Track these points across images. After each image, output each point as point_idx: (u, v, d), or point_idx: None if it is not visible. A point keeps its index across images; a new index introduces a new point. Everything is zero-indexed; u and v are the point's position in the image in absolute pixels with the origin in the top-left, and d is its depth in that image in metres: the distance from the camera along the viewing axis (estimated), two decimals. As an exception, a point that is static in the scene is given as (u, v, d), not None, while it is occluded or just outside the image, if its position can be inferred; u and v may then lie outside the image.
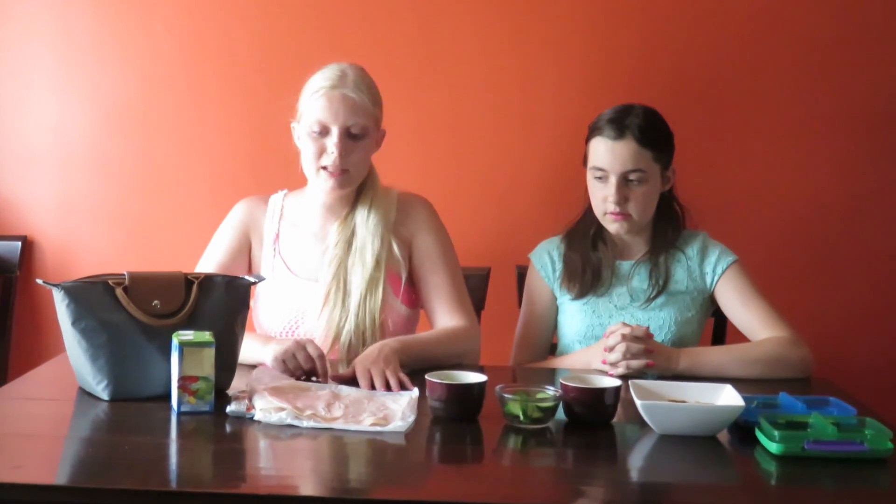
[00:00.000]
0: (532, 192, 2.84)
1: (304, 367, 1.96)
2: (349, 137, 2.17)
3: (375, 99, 2.22)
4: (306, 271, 2.26)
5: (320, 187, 2.21)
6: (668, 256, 2.33)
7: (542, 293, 2.39)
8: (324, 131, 2.17)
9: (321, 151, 2.17)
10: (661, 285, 2.30)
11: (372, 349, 2.01)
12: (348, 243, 2.23)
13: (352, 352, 2.17)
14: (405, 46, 2.82)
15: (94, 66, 2.87)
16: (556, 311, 2.39)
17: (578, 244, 2.36)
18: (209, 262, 2.27)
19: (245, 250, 2.30)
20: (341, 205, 2.26)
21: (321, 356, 1.97)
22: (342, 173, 2.17)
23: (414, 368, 1.98)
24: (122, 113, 2.88)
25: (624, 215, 2.26)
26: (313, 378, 1.95)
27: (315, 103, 2.17)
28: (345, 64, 2.22)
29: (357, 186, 2.25)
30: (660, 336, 2.25)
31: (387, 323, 2.22)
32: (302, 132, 2.21)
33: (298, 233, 2.29)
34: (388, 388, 1.90)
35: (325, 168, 2.17)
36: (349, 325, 2.18)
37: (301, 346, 1.97)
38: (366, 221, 2.23)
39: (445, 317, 2.23)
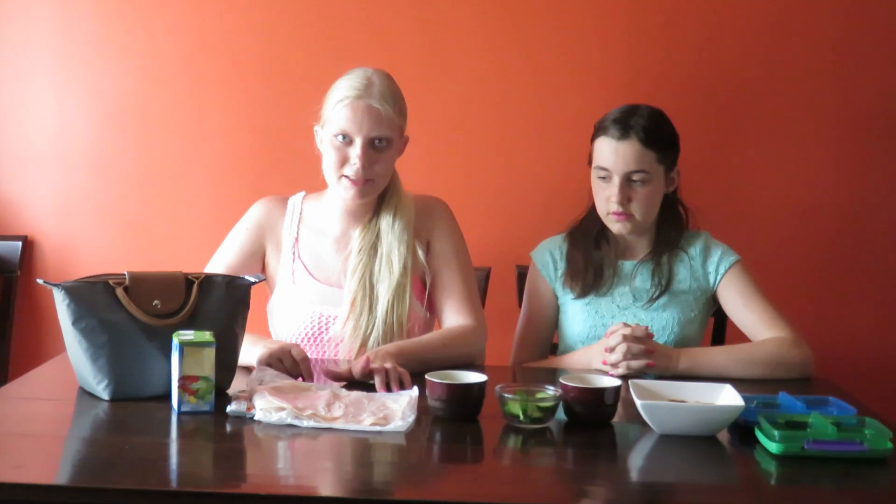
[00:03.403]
0: (532, 191, 2.84)
1: (290, 372, 1.96)
2: (372, 148, 2.16)
3: (401, 109, 2.21)
4: (327, 275, 2.25)
5: (341, 195, 2.21)
6: (670, 256, 2.32)
7: (543, 292, 2.39)
8: (347, 141, 2.16)
9: (343, 160, 2.16)
10: (663, 286, 2.29)
11: (367, 354, 2.02)
12: (373, 249, 2.22)
13: None
14: (406, 45, 2.81)
15: (95, 66, 2.87)
16: (556, 310, 2.39)
17: (581, 242, 2.35)
18: (219, 264, 2.26)
19: (258, 254, 2.29)
20: (363, 210, 2.26)
21: (305, 359, 1.99)
22: (365, 182, 2.17)
23: (413, 372, 1.98)
24: (122, 113, 2.88)
25: (626, 215, 2.26)
26: (298, 380, 1.95)
27: (340, 112, 2.15)
28: (371, 70, 2.20)
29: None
30: (662, 337, 2.25)
31: (413, 329, 2.23)
32: (325, 138, 2.20)
33: (318, 237, 2.28)
34: (387, 388, 1.90)
35: (346, 176, 2.17)
36: (376, 332, 2.17)
37: (286, 350, 1.99)
38: (391, 228, 2.23)
39: (453, 315, 2.23)
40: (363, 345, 2.18)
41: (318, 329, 2.22)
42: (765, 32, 2.78)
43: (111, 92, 2.88)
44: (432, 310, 2.30)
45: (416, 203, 2.30)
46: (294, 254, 2.28)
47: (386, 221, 2.24)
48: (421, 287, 2.26)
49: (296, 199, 2.34)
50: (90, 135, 2.89)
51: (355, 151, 2.15)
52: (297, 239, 2.29)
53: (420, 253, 2.24)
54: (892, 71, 2.78)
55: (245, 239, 2.29)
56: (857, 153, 2.81)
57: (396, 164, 2.29)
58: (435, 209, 2.31)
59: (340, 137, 2.15)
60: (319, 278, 2.25)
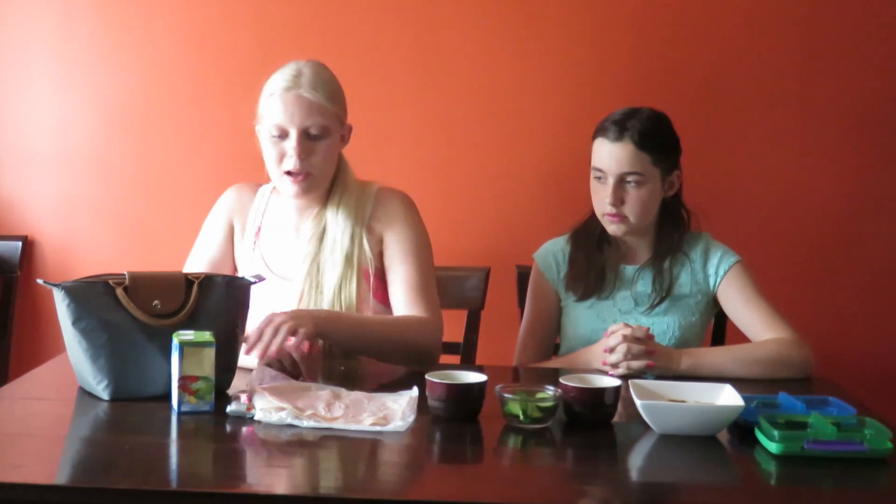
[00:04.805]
0: (532, 192, 2.84)
1: (290, 372, 1.96)
2: (308, 139, 2.14)
3: (334, 96, 2.18)
4: (283, 269, 2.24)
5: (286, 193, 2.20)
6: (672, 261, 2.32)
7: (546, 294, 2.39)
8: (283, 134, 2.14)
9: (282, 155, 2.14)
10: (664, 291, 2.29)
11: (295, 310, 2.01)
12: (320, 239, 2.21)
13: (333, 353, 2.17)
14: (404, 46, 2.81)
15: (95, 66, 2.87)
16: (559, 311, 2.38)
17: (584, 245, 2.35)
18: (200, 258, 2.27)
19: (231, 240, 2.30)
20: (313, 201, 2.24)
21: (305, 359, 1.98)
22: (305, 177, 2.14)
23: (348, 348, 2.03)
24: (122, 113, 2.88)
25: (620, 217, 2.26)
26: (300, 379, 1.96)
27: (272, 106, 2.14)
28: (302, 62, 2.19)
29: (328, 184, 2.23)
30: (663, 340, 2.24)
31: None
32: (263, 136, 2.19)
33: (276, 231, 2.28)
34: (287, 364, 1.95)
35: (288, 173, 2.15)
36: None
37: (287, 351, 1.98)
38: (336, 217, 2.21)
39: (402, 306, 2.18)
40: (314, 344, 2.15)
41: None
42: (761, 34, 2.79)
43: (111, 92, 2.88)
44: (385, 303, 2.25)
45: (376, 194, 2.26)
46: (255, 244, 2.27)
47: (332, 211, 2.22)
48: (370, 278, 2.22)
49: (266, 188, 2.33)
50: (90, 135, 2.89)
51: (291, 144, 2.13)
52: (259, 230, 2.28)
53: (367, 245, 2.20)
54: (892, 71, 2.78)
55: (219, 228, 2.30)
56: (858, 153, 2.81)
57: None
58: (391, 202, 2.26)
59: (276, 132, 2.14)
60: (276, 271, 2.24)
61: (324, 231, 2.21)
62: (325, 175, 2.19)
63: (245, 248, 2.28)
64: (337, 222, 2.20)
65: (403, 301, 2.18)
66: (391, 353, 2.11)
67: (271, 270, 2.24)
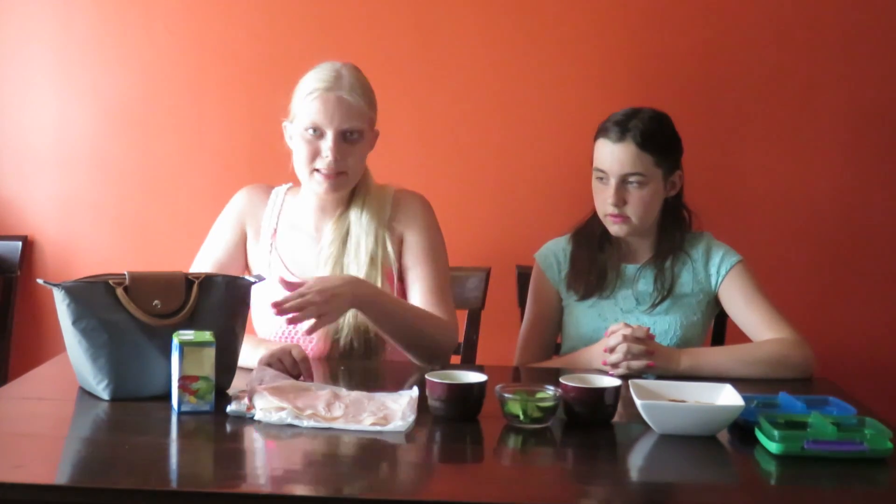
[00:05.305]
0: (533, 192, 2.84)
1: (290, 372, 1.96)
2: (344, 140, 2.15)
3: (370, 101, 2.20)
4: (302, 271, 2.24)
5: (314, 189, 2.20)
6: (674, 260, 2.32)
7: (547, 294, 2.39)
8: (318, 134, 2.15)
9: (315, 154, 2.16)
10: (665, 291, 2.29)
11: (337, 279, 2.04)
12: (343, 242, 2.22)
13: (354, 353, 2.18)
14: (406, 44, 2.82)
15: (95, 66, 2.87)
16: (561, 311, 2.38)
17: (586, 244, 2.35)
18: (207, 259, 2.27)
19: (242, 243, 2.29)
20: (335, 204, 2.25)
21: (305, 359, 1.99)
22: (338, 176, 2.16)
23: (377, 324, 2.05)
24: (122, 113, 2.88)
25: (622, 217, 2.26)
26: (300, 379, 1.96)
27: (310, 105, 2.15)
28: (339, 63, 2.20)
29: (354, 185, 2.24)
30: (665, 340, 2.24)
31: None
32: (295, 133, 2.19)
33: (294, 232, 2.28)
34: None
35: (318, 170, 2.16)
36: (348, 326, 2.17)
37: (287, 350, 1.99)
38: (360, 219, 2.22)
39: (422, 308, 2.20)
40: (335, 343, 2.18)
41: (292, 329, 2.20)
42: (766, 32, 2.79)
43: (111, 92, 2.88)
44: None
45: (394, 196, 2.28)
46: (272, 246, 2.27)
47: (355, 214, 2.23)
48: (392, 279, 2.23)
49: (279, 190, 2.33)
50: (90, 135, 2.90)
51: (327, 144, 2.14)
52: (275, 231, 2.28)
53: (389, 246, 2.22)
54: (893, 70, 2.78)
55: (228, 231, 2.29)
56: (859, 153, 2.81)
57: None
58: (411, 203, 2.28)
59: (311, 131, 2.15)
60: (295, 272, 2.24)
61: (346, 233, 2.22)
62: (356, 176, 2.21)
63: (261, 251, 2.28)
64: (361, 224, 2.21)
65: (422, 302, 2.21)
66: (414, 343, 2.12)
67: (290, 272, 2.24)
